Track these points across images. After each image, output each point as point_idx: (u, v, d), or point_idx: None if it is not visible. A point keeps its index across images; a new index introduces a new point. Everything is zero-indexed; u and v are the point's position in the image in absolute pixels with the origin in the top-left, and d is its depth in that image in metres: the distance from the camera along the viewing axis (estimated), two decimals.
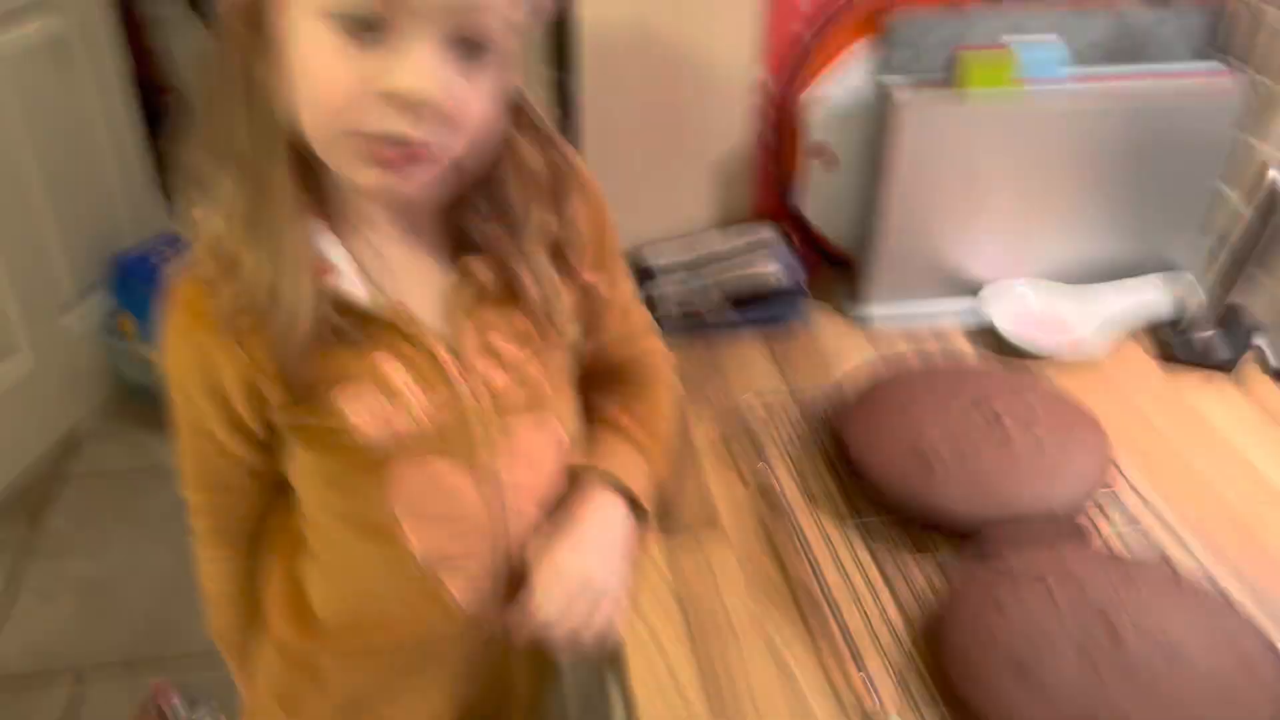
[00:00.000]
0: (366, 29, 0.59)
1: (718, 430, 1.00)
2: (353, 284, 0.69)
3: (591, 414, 0.85)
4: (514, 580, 0.78)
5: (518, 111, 0.71)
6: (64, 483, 2.23)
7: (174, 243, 2.38)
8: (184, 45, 2.70)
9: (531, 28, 0.66)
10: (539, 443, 0.78)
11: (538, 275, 0.73)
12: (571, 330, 0.78)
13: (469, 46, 0.61)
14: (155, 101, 2.64)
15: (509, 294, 0.73)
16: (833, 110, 1.16)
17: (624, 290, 0.86)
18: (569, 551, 0.77)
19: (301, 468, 0.76)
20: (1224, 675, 0.68)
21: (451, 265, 0.73)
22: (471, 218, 0.72)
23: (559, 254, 0.75)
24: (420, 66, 0.59)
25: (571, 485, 0.81)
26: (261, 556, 0.85)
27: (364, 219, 0.70)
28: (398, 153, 0.62)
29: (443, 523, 0.76)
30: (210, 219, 0.67)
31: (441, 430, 0.73)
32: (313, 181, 0.68)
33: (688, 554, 0.86)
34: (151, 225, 2.51)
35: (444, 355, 0.72)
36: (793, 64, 1.14)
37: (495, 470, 0.75)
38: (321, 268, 0.68)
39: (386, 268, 0.71)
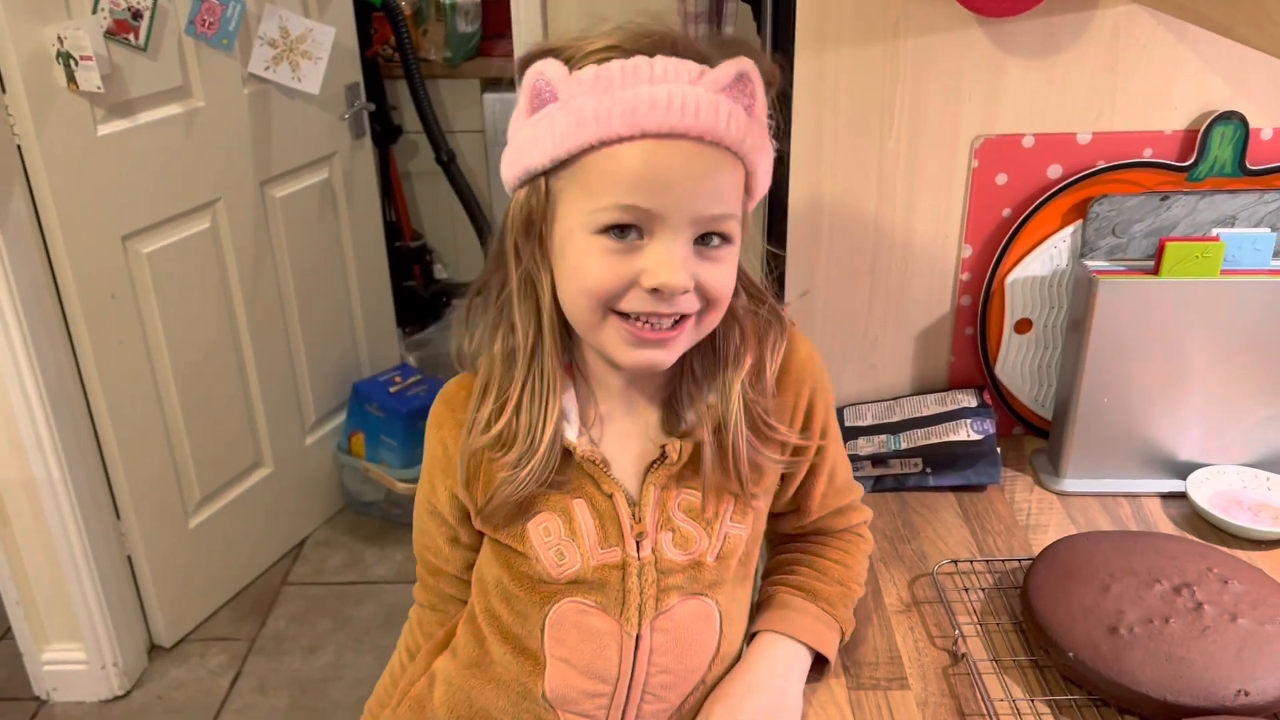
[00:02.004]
0: (623, 235, 0.73)
1: (909, 591, 1.03)
2: (572, 431, 0.81)
3: (785, 572, 0.92)
4: None
5: (741, 283, 0.81)
6: (289, 587, 2.43)
7: (406, 372, 2.63)
8: (431, 197, 3.01)
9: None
10: (691, 621, 0.84)
11: (736, 459, 0.81)
12: (763, 507, 0.86)
13: (711, 238, 0.74)
14: (402, 245, 2.95)
15: (705, 476, 0.82)
16: (1036, 288, 1.21)
17: (833, 457, 0.92)
18: (744, 691, 0.83)
19: (486, 575, 0.87)
20: None
21: (660, 438, 0.83)
22: (687, 394, 0.81)
23: (766, 423, 0.83)
24: (674, 265, 0.72)
25: (751, 646, 0.88)
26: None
27: (600, 383, 0.83)
28: (659, 334, 0.74)
29: (580, 669, 0.83)
30: (486, 359, 0.82)
31: (602, 581, 0.82)
32: (567, 343, 0.81)
33: (873, 705, 0.89)
34: (388, 356, 2.78)
35: (624, 512, 0.81)
36: (998, 242, 1.20)
37: (641, 634, 0.82)
38: None
39: (603, 425, 0.83)
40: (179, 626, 2.25)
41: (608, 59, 0.72)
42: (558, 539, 0.82)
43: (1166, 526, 1.12)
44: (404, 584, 2.41)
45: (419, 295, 2.99)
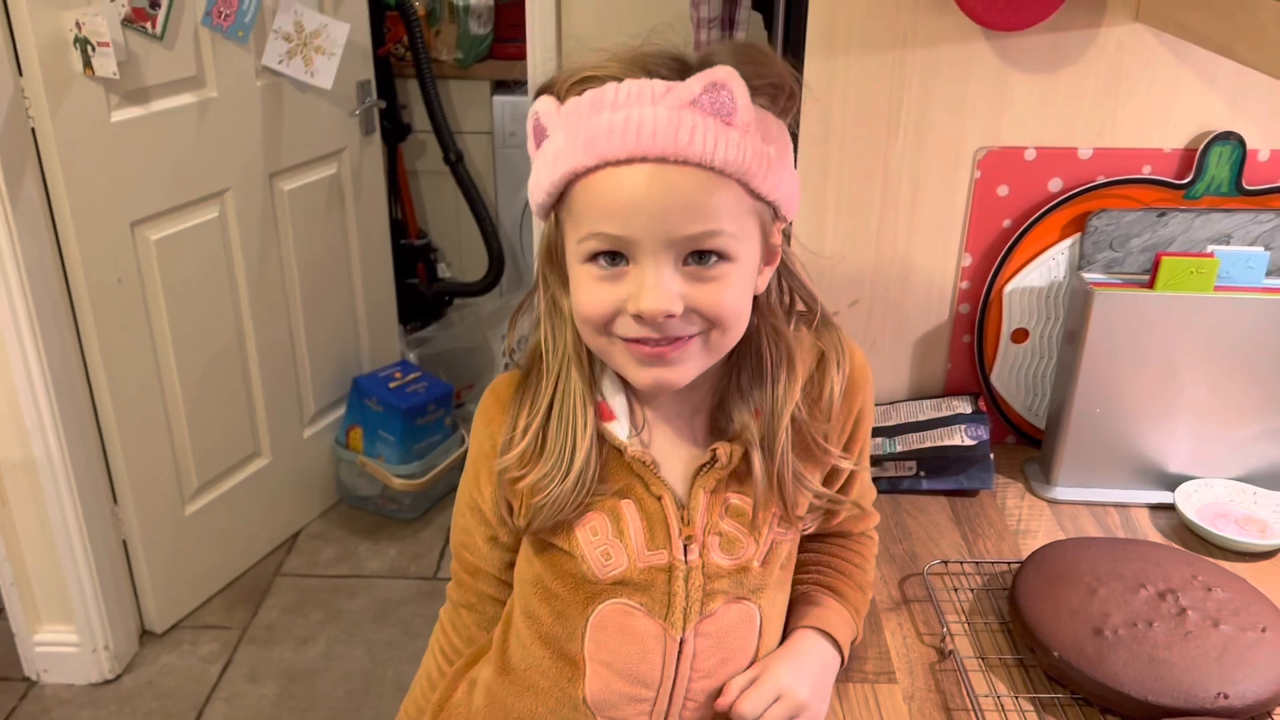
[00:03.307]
0: (610, 263, 0.74)
1: (900, 589, 1.05)
2: (623, 432, 0.82)
3: (811, 570, 0.93)
4: None
5: (782, 299, 0.83)
6: (282, 578, 2.44)
7: (406, 369, 2.64)
8: (437, 195, 3.03)
9: (772, 224, 0.78)
10: (734, 626, 0.84)
11: (782, 468, 0.82)
12: (809, 520, 0.86)
13: (702, 257, 0.73)
14: (406, 242, 2.97)
15: (754, 481, 0.82)
16: (1034, 298, 1.23)
17: (867, 467, 0.94)
18: (786, 666, 0.84)
19: (526, 573, 0.87)
20: None
21: (708, 442, 0.83)
22: (733, 403, 0.82)
23: (813, 438, 0.84)
24: (655, 290, 0.73)
25: (792, 635, 0.89)
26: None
27: (648, 394, 0.83)
28: (658, 351, 0.75)
29: (621, 673, 0.83)
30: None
31: (648, 583, 0.82)
32: None
33: (861, 701, 0.91)
34: (389, 352, 2.79)
35: (673, 515, 0.82)
36: (998, 252, 1.22)
37: (685, 638, 0.82)
38: (606, 414, 0.82)
39: (651, 433, 0.83)
40: (171, 613, 2.26)
41: (584, 89, 0.74)
42: (604, 539, 0.82)
43: (1154, 536, 1.14)
44: (397, 579, 2.43)
45: (422, 293, 3.00)
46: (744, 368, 0.82)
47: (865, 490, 0.95)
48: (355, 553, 2.52)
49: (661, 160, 0.71)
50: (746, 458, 0.81)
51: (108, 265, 1.93)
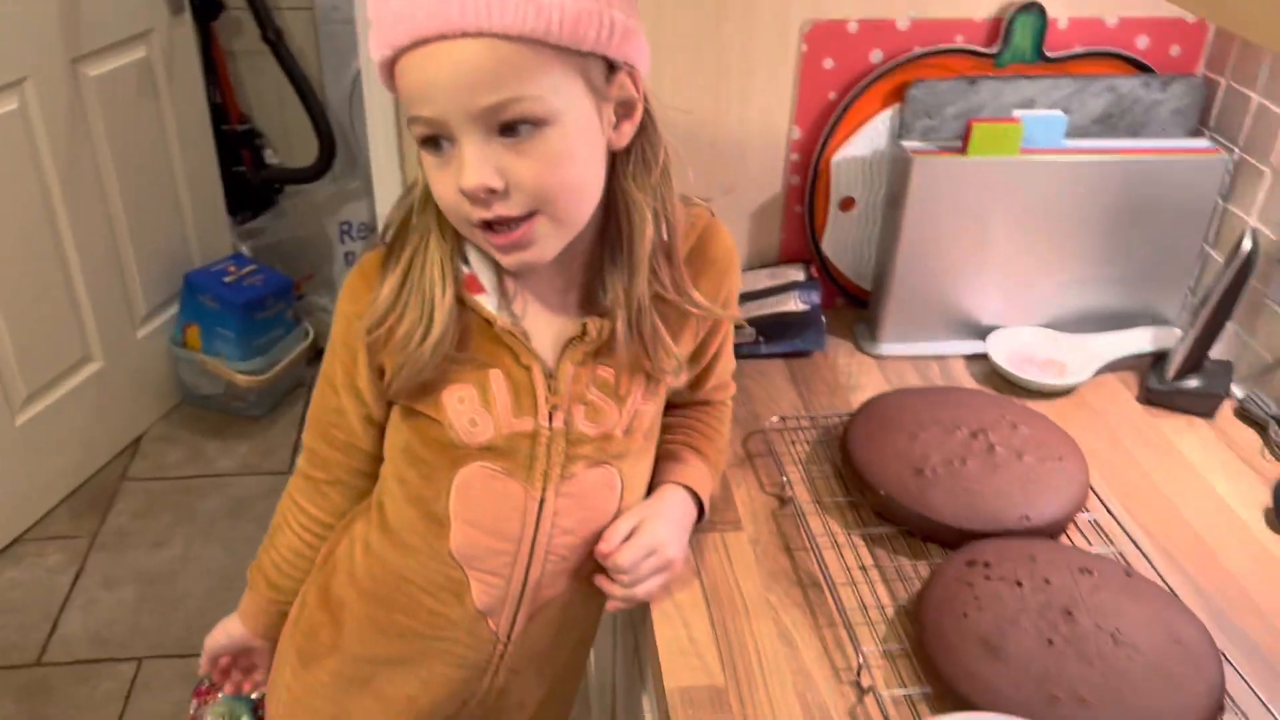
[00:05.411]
0: (438, 147, 0.75)
1: (744, 447, 1.12)
2: (491, 304, 0.84)
3: (678, 432, 0.99)
4: (528, 598, 0.91)
5: (639, 170, 0.83)
6: (129, 483, 2.38)
7: (240, 262, 2.56)
8: (258, 76, 2.88)
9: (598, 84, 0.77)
10: (594, 490, 0.89)
11: (648, 337, 0.85)
12: (676, 386, 0.91)
13: (514, 129, 0.74)
14: (229, 129, 2.83)
15: (619, 353, 0.86)
16: (859, 168, 1.29)
17: (730, 340, 0.99)
18: (662, 523, 0.91)
19: (395, 439, 0.91)
20: (1163, 655, 0.80)
21: (579, 316, 0.86)
22: (603, 277, 0.85)
23: (679, 310, 0.87)
24: (471, 165, 0.74)
25: (660, 488, 0.95)
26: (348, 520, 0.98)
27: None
28: (508, 237, 0.77)
29: (485, 530, 0.88)
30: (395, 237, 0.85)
31: (512, 449, 0.86)
32: None
33: (711, 548, 0.98)
34: (220, 246, 2.69)
35: (540, 385, 0.85)
36: (825, 125, 1.27)
37: (545, 500, 0.87)
38: (475, 287, 0.84)
39: (525, 305, 0.86)
40: (10, 528, 2.19)
41: None
42: (471, 408, 0.85)
43: (969, 383, 1.25)
44: (250, 476, 2.40)
45: (250, 182, 2.87)
46: (609, 239, 0.84)
47: (728, 363, 1.01)
48: (204, 453, 2.48)
49: (442, 37, 0.71)
50: (615, 332, 0.85)
51: None
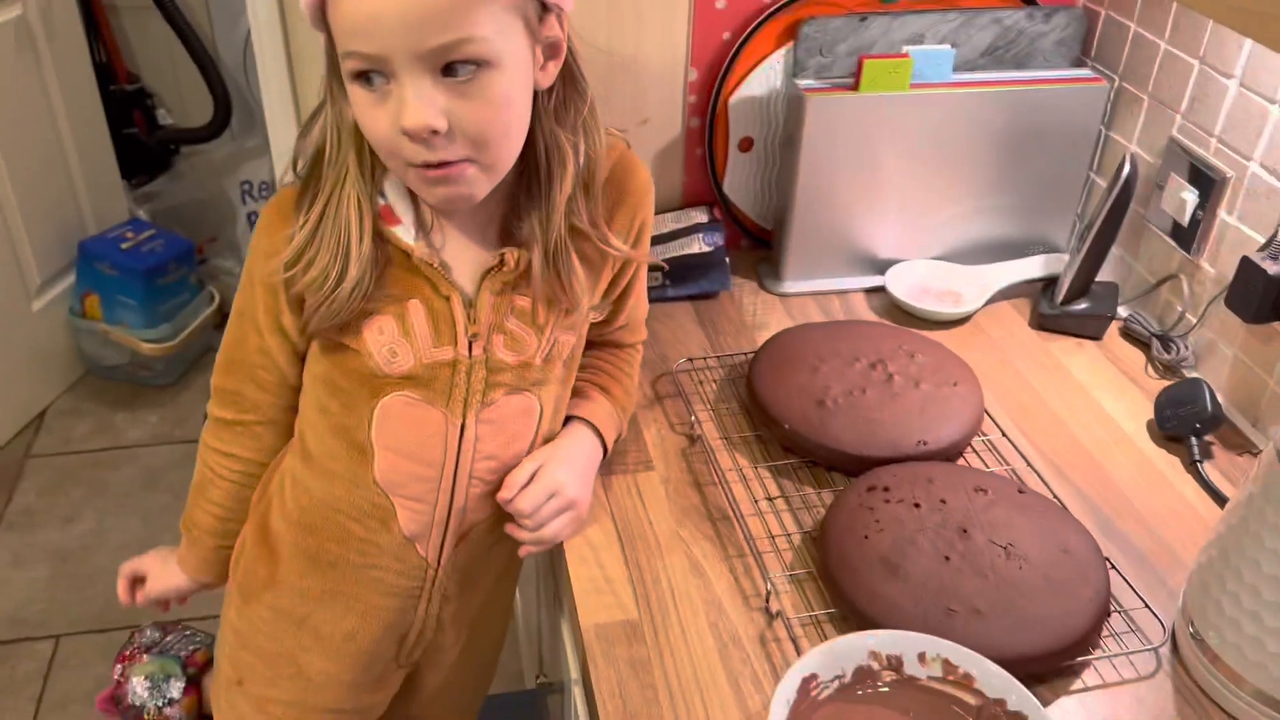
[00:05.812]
0: (370, 83, 0.74)
1: (653, 389, 1.14)
2: (409, 235, 0.84)
3: (589, 371, 1.01)
4: (453, 524, 0.92)
5: (560, 109, 0.84)
6: (34, 460, 2.32)
7: (138, 227, 2.48)
8: (144, 33, 2.77)
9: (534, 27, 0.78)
10: (514, 417, 0.91)
11: (564, 269, 0.86)
12: (591, 318, 0.92)
13: (455, 69, 0.74)
14: (117, 89, 2.72)
15: (535, 285, 0.86)
16: (756, 107, 1.30)
17: (643, 278, 1.00)
18: (562, 465, 0.92)
19: (315, 370, 0.91)
20: (1053, 565, 0.84)
21: (498, 247, 0.87)
22: (521, 209, 0.85)
23: (593, 246, 0.88)
24: (415, 105, 0.73)
25: (566, 425, 0.96)
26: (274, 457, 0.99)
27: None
28: (442, 172, 0.76)
29: (407, 457, 0.89)
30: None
31: (432, 377, 0.87)
32: None
33: (623, 488, 1.00)
34: (114, 210, 2.60)
35: (459, 315, 0.86)
36: (721, 66, 1.28)
37: (466, 427, 0.88)
38: (391, 219, 0.84)
39: (443, 236, 0.86)
40: None
41: None
42: (391, 339, 0.85)
43: (870, 316, 1.28)
44: (162, 445, 2.35)
45: (143, 144, 2.78)
46: (528, 173, 0.85)
47: (639, 304, 1.02)
48: (112, 424, 2.42)
49: None
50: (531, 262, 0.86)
51: None
